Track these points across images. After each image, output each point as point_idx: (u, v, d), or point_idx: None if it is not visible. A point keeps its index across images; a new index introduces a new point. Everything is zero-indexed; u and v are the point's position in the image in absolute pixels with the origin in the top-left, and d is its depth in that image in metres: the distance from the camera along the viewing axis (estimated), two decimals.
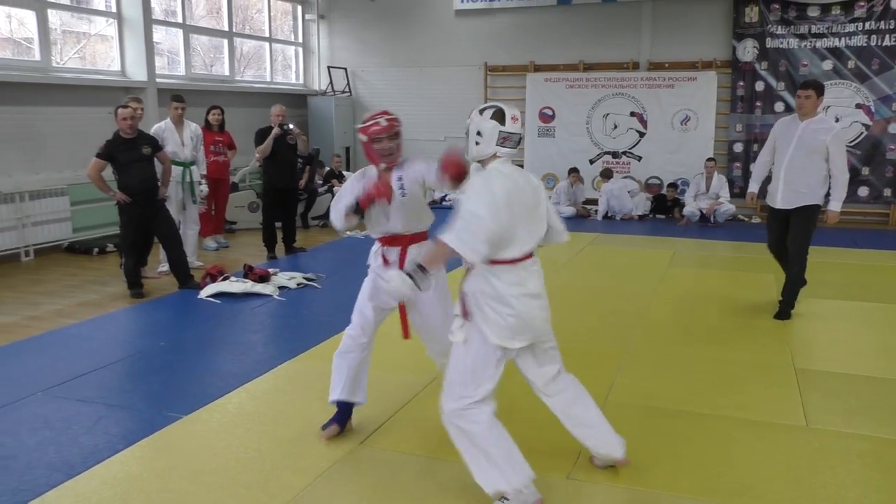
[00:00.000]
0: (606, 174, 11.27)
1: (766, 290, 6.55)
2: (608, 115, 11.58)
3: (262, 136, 7.82)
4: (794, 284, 5.65)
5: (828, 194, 5.51)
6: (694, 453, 3.44)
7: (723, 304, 6.21)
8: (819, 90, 5.41)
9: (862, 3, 10.22)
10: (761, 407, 3.97)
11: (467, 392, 2.89)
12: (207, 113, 8.47)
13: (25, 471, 3.26)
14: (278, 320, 5.73)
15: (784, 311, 5.67)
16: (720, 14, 11.01)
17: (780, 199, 5.52)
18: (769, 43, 10.72)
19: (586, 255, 8.24)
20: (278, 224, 8.06)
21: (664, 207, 10.98)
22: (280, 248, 8.14)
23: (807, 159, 5.36)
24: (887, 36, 10.24)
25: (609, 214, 11.03)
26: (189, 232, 7.24)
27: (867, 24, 10.26)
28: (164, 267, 7.09)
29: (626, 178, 11.33)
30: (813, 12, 10.44)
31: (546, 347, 3.23)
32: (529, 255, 2.96)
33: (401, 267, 3.38)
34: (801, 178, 5.39)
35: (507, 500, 2.81)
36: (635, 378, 4.40)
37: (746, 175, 11.00)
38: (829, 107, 10.47)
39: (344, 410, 3.65)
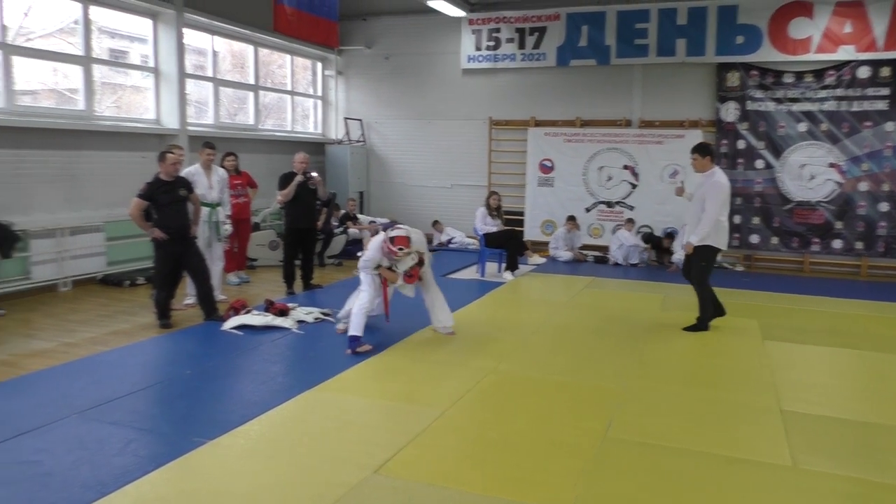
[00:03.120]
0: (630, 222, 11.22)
1: (751, 335, 6.54)
2: (603, 167, 11.68)
3: (285, 180, 7.89)
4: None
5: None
6: (689, 491, 3.40)
7: (711, 346, 6.19)
8: (700, 151, 6.52)
9: (832, 72, 10.39)
10: (750, 446, 3.93)
11: None
12: (223, 160, 8.36)
13: (62, 488, 3.23)
14: (297, 352, 5.71)
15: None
16: (705, 78, 11.18)
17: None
18: (749, 105, 10.86)
19: (583, 297, 8.24)
20: (297, 262, 8.08)
21: (662, 249, 10.92)
22: (298, 284, 8.14)
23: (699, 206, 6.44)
24: (855, 102, 10.36)
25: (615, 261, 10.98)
26: (214, 267, 7.24)
27: (837, 91, 10.41)
28: (191, 300, 7.11)
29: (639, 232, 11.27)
30: (788, 79, 10.61)
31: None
32: None
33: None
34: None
35: None
36: (633, 415, 4.37)
37: (731, 226, 11.01)
38: (804, 165, 10.60)
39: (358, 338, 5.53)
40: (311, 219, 8.18)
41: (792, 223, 10.80)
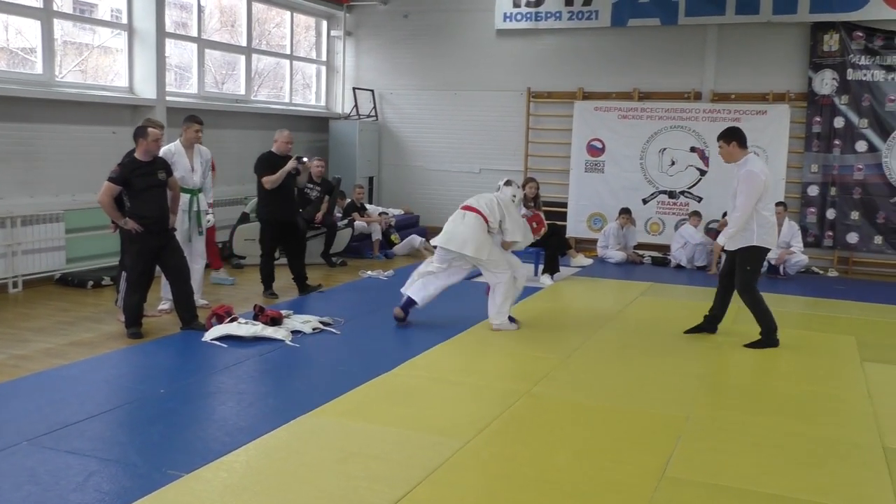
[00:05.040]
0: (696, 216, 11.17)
1: (847, 354, 6.45)
2: (665, 149, 11.60)
3: (266, 163, 8.01)
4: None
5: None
6: None
7: (796, 368, 6.11)
8: (726, 138, 6.57)
9: None
10: (845, 492, 3.87)
11: None
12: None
13: None
14: (291, 369, 5.72)
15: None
16: (795, 42, 11.06)
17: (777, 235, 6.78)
18: (851, 75, 10.72)
19: (638, 306, 8.18)
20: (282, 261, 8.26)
21: None
22: (290, 287, 8.21)
23: None
24: None
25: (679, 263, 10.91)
26: (195, 266, 7.28)
27: None
28: (166, 304, 7.17)
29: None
30: None
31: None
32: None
33: None
34: None
35: None
36: (698, 450, 4.33)
37: (822, 222, 10.95)
38: None
39: (409, 303, 6.72)
40: (294, 210, 8.36)
41: None
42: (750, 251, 6.48)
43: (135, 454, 4.08)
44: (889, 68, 10.56)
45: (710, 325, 6.95)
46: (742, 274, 6.57)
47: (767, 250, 6.59)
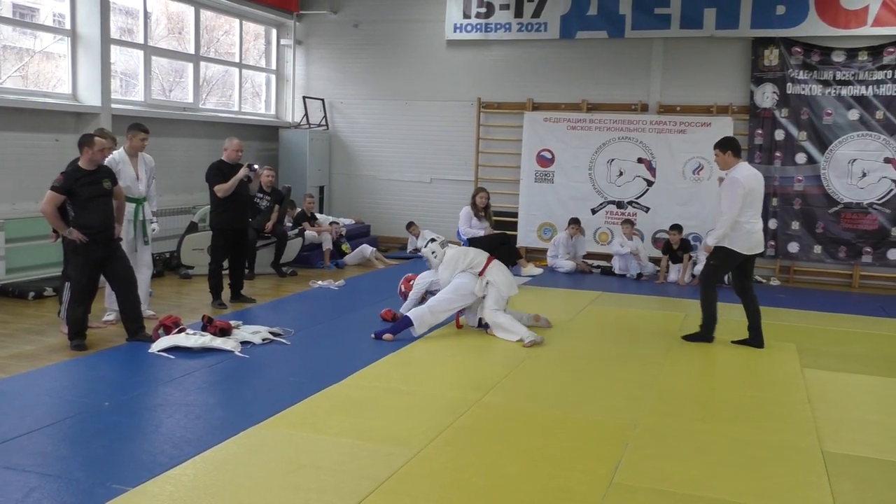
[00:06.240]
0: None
1: (788, 361, 6.60)
2: (613, 160, 11.78)
3: (218, 171, 7.98)
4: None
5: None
6: None
7: (740, 375, 6.26)
8: (721, 147, 6.97)
9: (892, 49, 10.56)
10: (786, 495, 3.97)
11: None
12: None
13: None
14: (240, 380, 5.68)
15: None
16: (737, 56, 11.33)
17: (758, 244, 6.98)
18: (790, 89, 11.02)
19: (587, 315, 8.28)
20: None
21: (676, 257, 10.92)
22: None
23: None
24: None
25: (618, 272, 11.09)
26: (141, 276, 7.19)
27: None
28: (111, 315, 7.07)
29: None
30: (838, 57, 10.77)
31: None
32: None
33: None
34: None
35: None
36: (645, 456, 4.39)
37: (765, 232, 11.12)
38: (854, 160, 10.75)
39: (406, 324, 6.81)
40: (245, 218, 8.37)
41: (839, 229, 10.96)
42: (719, 250, 6.93)
43: (78, 469, 4.00)
44: (826, 83, 10.86)
45: (755, 338, 7.03)
46: (706, 266, 7.26)
47: (738, 254, 6.86)
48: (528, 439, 4.61)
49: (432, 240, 7.55)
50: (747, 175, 6.86)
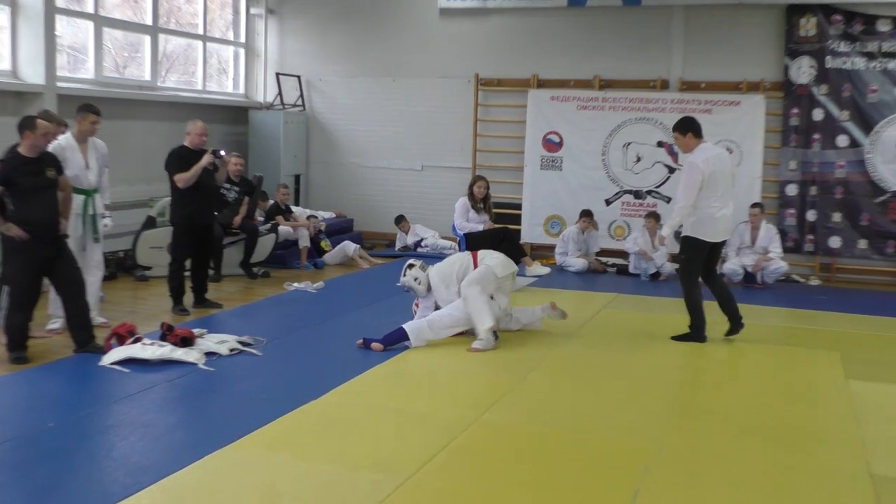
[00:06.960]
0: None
1: (831, 371, 6.59)
2: (629, 144, 11.76)
3: (179, 158, 7.97)
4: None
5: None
6: None
7: (775, 388, 6.24)
8: (680, 129, 7.25)
9: None
10: None
11: None
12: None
13: None
14: (205, 396, 5.66)
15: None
16: (770, 26, 11.32)
17: (725, 230, 7.30)
18: (829, 62, 11.01)
19: (601, 321, 8.26)
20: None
21: None
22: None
23: None
24: None
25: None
26: (91, 279, 7.18)
27: None
28: (56, 323, 7.04)
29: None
30: (884, 26, 10.77)
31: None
32: None
33: None
34: None
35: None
36: (666, 483, 4.37)
37: (802, 225, 11.19)
38: None
39: (401, 336, 6.72)
40: (210, 212, 8.36)
41: (886, 221, 10.97)
42: (686, 240, 7.31)
43: (19, 498, 3.99)
44: (870, 55, 10.86)
45: (736, 322, 7.36)
46: (680, 263, 7.60)
47: (706, 242, 7.17)
48: (532, 464, 4.59)
49: (409, 266, 7.42)
50: (707, 158, 7.09)
